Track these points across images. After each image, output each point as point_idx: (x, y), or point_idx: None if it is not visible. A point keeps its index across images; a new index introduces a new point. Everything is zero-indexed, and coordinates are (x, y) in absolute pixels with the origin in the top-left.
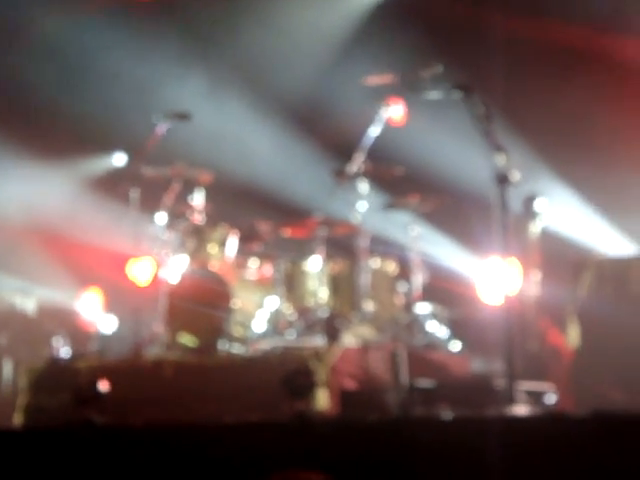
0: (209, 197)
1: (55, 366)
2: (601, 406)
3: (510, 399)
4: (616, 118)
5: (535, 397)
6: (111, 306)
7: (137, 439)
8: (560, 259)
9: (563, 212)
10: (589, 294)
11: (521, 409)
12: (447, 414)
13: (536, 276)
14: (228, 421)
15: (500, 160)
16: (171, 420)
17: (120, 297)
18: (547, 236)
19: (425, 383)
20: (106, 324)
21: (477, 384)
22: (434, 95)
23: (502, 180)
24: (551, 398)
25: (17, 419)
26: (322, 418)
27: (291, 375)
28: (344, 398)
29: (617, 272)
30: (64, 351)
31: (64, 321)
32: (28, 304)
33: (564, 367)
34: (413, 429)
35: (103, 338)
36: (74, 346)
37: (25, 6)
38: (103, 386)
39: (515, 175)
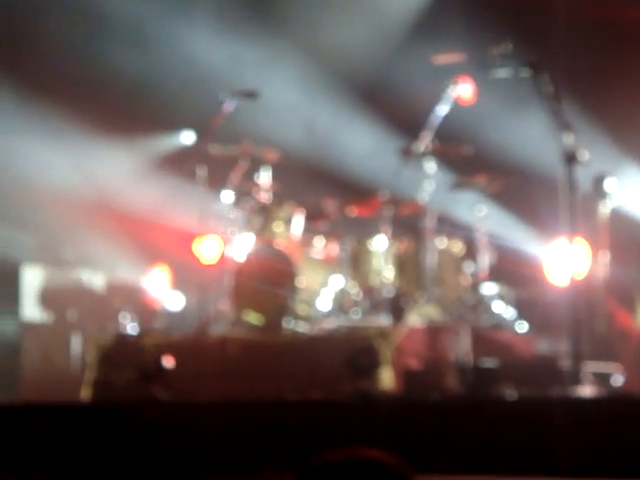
0: (276, 175)
1: (122, 342)
2: None
3: (576, 380)
4: None
5: (601, 379)
6: (178, 284)
7: (201, 415)
8: (630, 240)
9: (633, 192)
10: None
11: (586, 390)
12: (511, 394)
13: (605, 257)
14: (291, 399)
15: (568, 139)
16: (235, 397)
17: (187, 275)
18: (617, 217)
19: (489, 363)
20: (173, 301)
21: (542, 365)
22: (503, 73)
23: (570, 159)
24: (618, 380)
25: (85, 394)
26: (385, 397)
27: (355, 354)
28: (408, 378)
29: None
30: (131, 327)
31: (131, 298)
32: (96, 280)
33: (632, 349)
34: (476, 409)
35: (169, 315)
36: (141, 323)
37: None
38: (168, 362)
39: (583, 154)
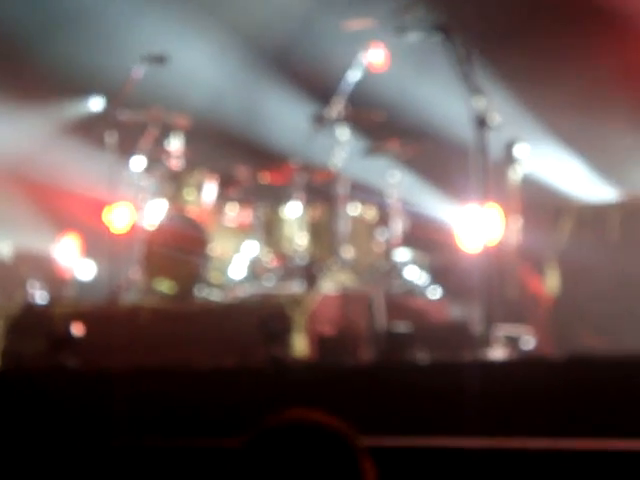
0: (187, 142)
1: (31, 311)
2: (579, 351)
3: (486, 343)
4: (601, 63)
5: (513, 341)
6: (88, 252)
7: (110, 383)
8: (541, 206)
9: (544, 158)
10: (569, 240)
11: (497, 353)
12: (423, 358)
13: (517, 223)
14: (202, 366)
15: (479, 103)
16: (145, 365)
17: (97, 243)
18: (528, 182)
19: (402, 328)
20: (83, 270)
21: (454, 329)
22: (414, 37)
23: (481, 124)
24: (529, 342)
25: None
26: (297, 363)
27: (266, 320)
28: (321, 344)
29: (596, 218)
30: (40, 296)
31: (41, 267)
32: (4, 249)
33: (543, 313)
34: (389, 374)
35: (80, 284)
36: (51, 292)
37: None
38: (77, 330)
39: (495, 119)
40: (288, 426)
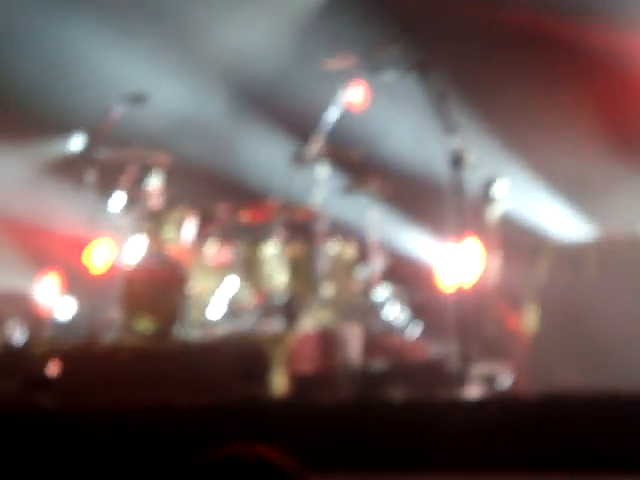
0: (167, 179)
1: (8, 351)
2: (557, 388)
3: (462, 382)
4: (577, 101)
5: (489, 380)
6: (69, 290)
7: (86, 423)
8: (519, 243)
9: (523, 195)
10: (547, 278)
11: (473, 391)
12: (399, 397)
13: (495, 260)
14: (179, 404)
15: (455, 142)
16: (123, 404)
17: (77, 282)
18: (507, 220)
19: (379, 366)
20: (63, 309)
21: (431, 367)
22: (390, 76)
23: (457, 162)
24: (505, 380)
25: None
26: (273, 400)
27: (244, 358)
28: (299, 382)
29: (574, 256)
30: (19, 336)
31: (20, 305)
32: None
33: (521, 350)
34: (365, 412)
35: (59, 323)
36: (30, 331)
37: None
38: (52, 369)
39: (471, 157)
40: (221, 461)
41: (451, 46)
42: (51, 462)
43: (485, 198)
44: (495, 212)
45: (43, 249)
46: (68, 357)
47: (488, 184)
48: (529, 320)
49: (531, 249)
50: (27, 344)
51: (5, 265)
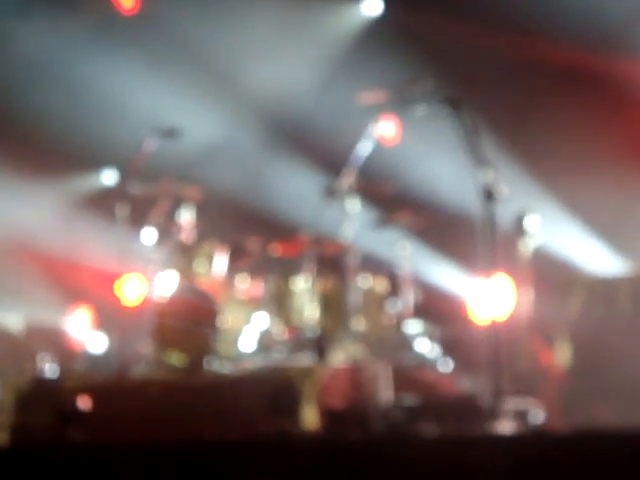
0: (198, 213)
1: (40, 385)
2: (590, 424)
3: (495, 417)
4: (610, 136)
5: (521, 415)
6: (100, 325)
7: (117, 457)
8: (552, 278)
9: (556, 229)
10: (580, 313)
11: (505, 427)
12: (431, 432)
13: (528, 295)
14: (210, 439)
15: (487, 176)
16: (152, 439)
17: (109, 315)
18: (539, 254)
19: (410, 401)
20: (94, 343)
21: (463, 402)
22: (421, 110)
23: (488, 196)
24: (538, 416)
25: (2, 438)
26: (304, 436)
27: (276, 393)
28: (330, 417)
29: (608, 291)
30: (50, 370)
31: (51, 340)
32: (15, 323)
33: (554, 386)
34: (396, 447)
35: (91, 357)
36: (61, 365)
37: (8, 23)
38: (84, 404)
39: (503, 191)
40: None
41: (483, 80)
42: None
43: (517, 232)
44: (528, 246)
45: (75, 283)
46: (99, 391)
47: (520, 218)
48: (562, 355)
49: (564, 283)
50: (59, 378)
51: (37, 299)
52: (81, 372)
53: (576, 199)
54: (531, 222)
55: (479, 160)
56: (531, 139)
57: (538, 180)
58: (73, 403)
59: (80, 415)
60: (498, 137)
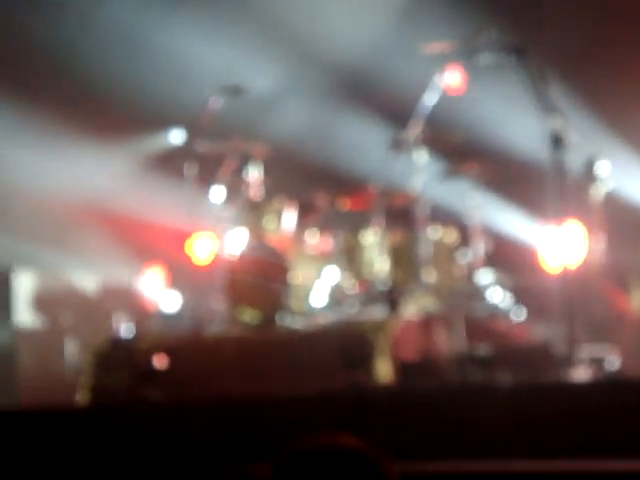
0: (266, 170)
1: (116, 345)
2: None
3: (569, 364)
4: None
5: (597, 362)
6: (173, 283)
7: (192, 414)
8: (625, 223)
9: (626, 174)
10: None
11: (581, 374)
12: (505, 381)
13: (601, 241)
14: (284, 394)
15: (556, 122)
16: (229, 396)
17: (181, 274)
18: (611, 199)
19: (484, 351)
20: (168, 302)
21: (536, 350)
22: (486, 60)
23: (557, 142)
24: (613, 363)
25: (80, 398)
26: (377, 388)
27: (348, 347)
28: (403, 369)
29: None
30: (125, 330)
31: (126, 300)
32: (89, 284)
33: (629, 331)
34: (470, 397)
35: (165, 316)
36: (136, 325)
37: None
38: (160, 363)
39: (571, 137)
40: (316, 451)
41: (549, 26)
42: (161, 453)
43: (588, 178)
44: (598, 192)
45: (146, 243)
46: (175, 350)
47: (590, 163)
48: (637, 300)
49: (637, 228)
50: (134, 338)
51: (110, 259)
52: (156, 331)
53: None
54: (601, 167)
55: (547, 107)
56: (600, 83)
57: (608, 125)
58: (149, 362)
59: (157, 374)
60: (566, 83)
